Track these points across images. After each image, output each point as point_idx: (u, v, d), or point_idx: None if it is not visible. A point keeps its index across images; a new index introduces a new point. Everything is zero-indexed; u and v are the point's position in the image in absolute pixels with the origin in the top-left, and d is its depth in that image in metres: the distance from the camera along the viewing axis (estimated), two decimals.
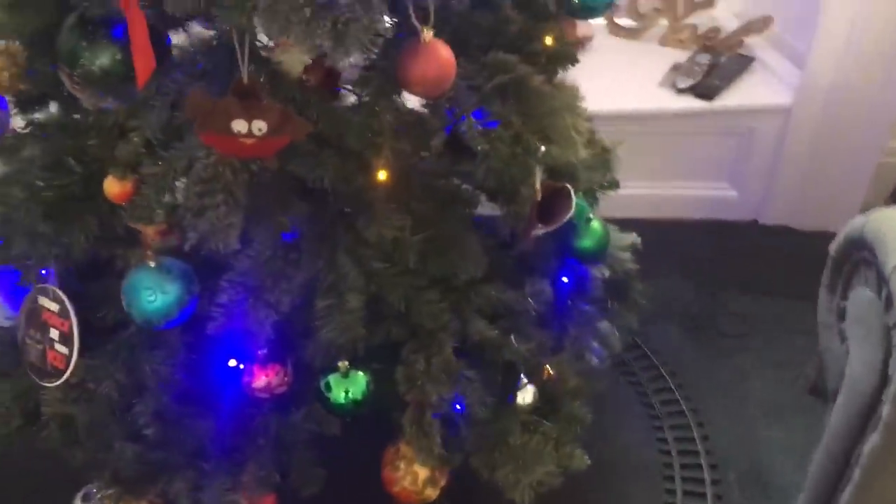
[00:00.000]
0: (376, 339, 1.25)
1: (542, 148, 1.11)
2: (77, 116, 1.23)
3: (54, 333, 1.23)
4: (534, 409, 1.28)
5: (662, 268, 2.26)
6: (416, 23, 1.01)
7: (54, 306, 1.23)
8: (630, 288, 1.58)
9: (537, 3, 1.26)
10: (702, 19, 2.39)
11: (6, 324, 1.31)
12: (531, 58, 1.18)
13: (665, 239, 2.35)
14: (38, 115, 1.26)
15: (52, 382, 1.24)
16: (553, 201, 1.19)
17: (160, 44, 1.12)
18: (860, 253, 1.16)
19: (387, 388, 1.23)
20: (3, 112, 1.26)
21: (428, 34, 1.02)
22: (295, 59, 1.07)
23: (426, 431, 1.19)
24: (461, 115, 1.08)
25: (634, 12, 2.40)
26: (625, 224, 2.35)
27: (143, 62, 1.05)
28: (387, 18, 1.02)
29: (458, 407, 1.24)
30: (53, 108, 1.28)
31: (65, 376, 1.22)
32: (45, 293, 1.24)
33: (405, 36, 1.04)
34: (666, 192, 2.37)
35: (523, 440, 1.26)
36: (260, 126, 0.99)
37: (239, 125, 0.99)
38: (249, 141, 1.00)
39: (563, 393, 1.32)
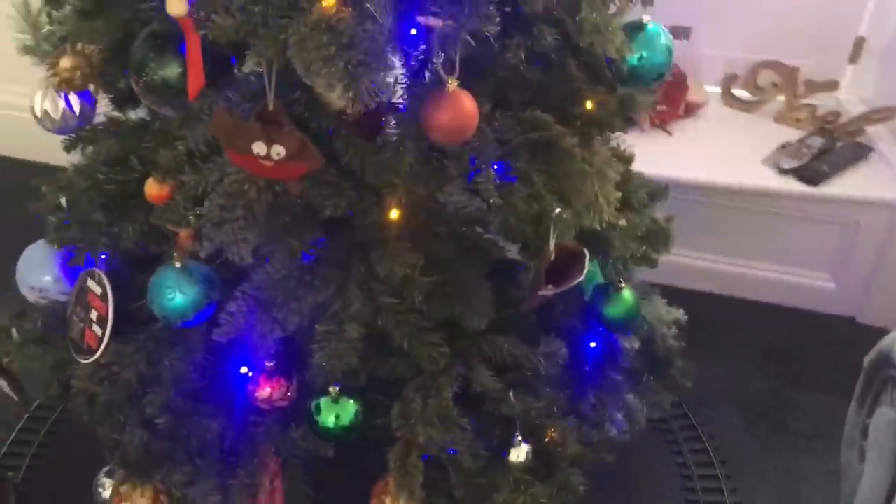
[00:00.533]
0: (382, 372, 1.27)
1: (558, 210, 1.10)
2: (147, 119, 1.33)
3: (94, 315, 1.32)
4: (528, 468, 1.26)
5: (739, 350, 2.17)
6: (441, 72, 1.04)
7: (98, 289, 1.32)
8: (670, 365, 1.53)
9: (598, 66, 1.26)
10: (823, 100, 2.29)
11: (62, 298, 1.42)
12: (569, 119, 1.17)
13: (748, 321, 2.26)
14: (117, 113, 1.37)
15: (85, 359, 1.33)
16: (570, 263, 1.18)
17: (223, 63, 1.20)
18: (888, 370, 1.08)
19: (384, 422, 1.24)
20: (89, 107, 1.37)
21: (452, 84, 1.04)
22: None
23: (409, 471, 1.20)
24: (479, 165, 1.09)
25: (752, 85, 2.33)
26: (708, 300, 2.29)
27: (195, 78, 1.13)
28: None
29: (449, 452, 1.24)
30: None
31: (96, 355, 1.31)
32: (93, 276, 1.34)
33: (435, 83, 1.07)
34: (757, 273, 2.27)
35: (510, 498, 1.25)
36: (279, 151, 1.04)
37: (259, 147, 1.04)
38: (269, 163, 1.06)
39: (561, 458, 1.29)
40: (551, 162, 1.14)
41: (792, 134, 2.25)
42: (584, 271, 1.14)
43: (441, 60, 1.03)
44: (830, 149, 2.15)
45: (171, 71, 1.17)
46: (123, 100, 1.38)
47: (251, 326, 1.16)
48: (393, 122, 1.14)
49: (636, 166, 1.82)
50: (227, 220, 1.10)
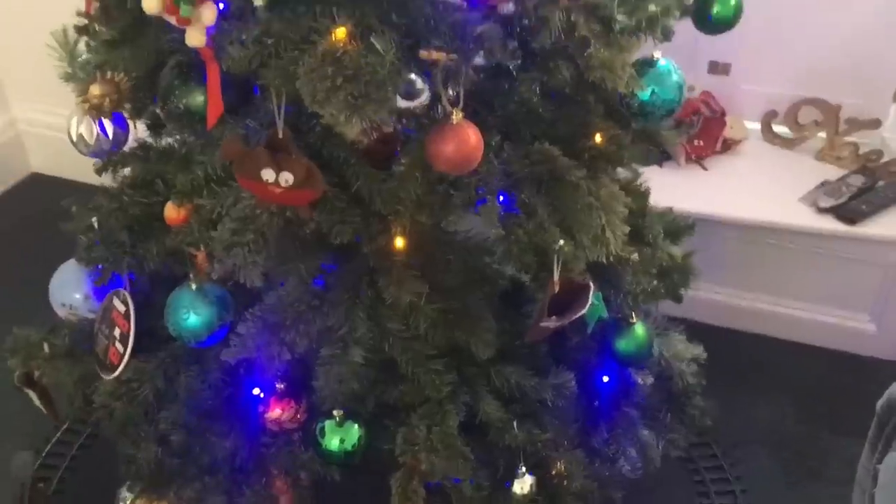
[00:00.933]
0: (390, 397, 1.29)
1: (561, 242, 1.11)
2: (175, 144, 1.39)
3: (117, 332, 1.37)
4: (531, 500, 1.26)
5: (774, 391, 2.13)
6: (446, 104, 1.06)
7: (122, 308, 1.37)
8: (688, 403, 1.51)
9: (611, 101, 1.27)
10: (866, 138, 2.25)
11: (91, 315, 1.48)
12: (577, 152, 1.18)
13: (784, 361, 2.21)
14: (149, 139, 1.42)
15: (107, 375, 1.38)
16: (576, 296, 1.18)
17: (245, 91, 1.25)
18: None
19: (389, 447, 1.26)
20: (121, 132, 1.43)
21: (457, 116, 1.06)
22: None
23: (411, 497, 1.21)
24: (485, 196, 1.11)
25: (792, 122, 2.30)
26: (743, 338, 2.25)
27: (214, 106, 1.17)
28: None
29: (453, 480, 1.25)
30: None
31: (117, 372, 1.35)
32: (118, 295, 1.38)
33: (443, 113, 1.09)
34: (795, 313, 2.22)
35: None
36: (287, 177, 1.08)
37: (267, 174, 1.08)
38: (277, 189, 1.09)
39: (566, 492, 1.28)
40: (557, 194, 1.15)
41: (833, 172, 2.20)
42: (587, 304, 1.14)
43: (446, 93, 1.06)
44: (871, 188, 2.11)
45: (195, 99, 1.21)
46: (158, 125, 1.45)
47: (260, 348, 1.19)
48: (403, 151, 1.17)
49: (669, 200, 1.82)
50: (237, 243, 1.13)
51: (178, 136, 1.42)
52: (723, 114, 2.29)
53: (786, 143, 2.32)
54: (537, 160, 1.16)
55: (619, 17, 1.16)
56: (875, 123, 2.21)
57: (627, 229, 1.18)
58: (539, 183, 1.15)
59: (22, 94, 2.77)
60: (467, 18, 1.05)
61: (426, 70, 1.06)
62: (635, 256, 1.28)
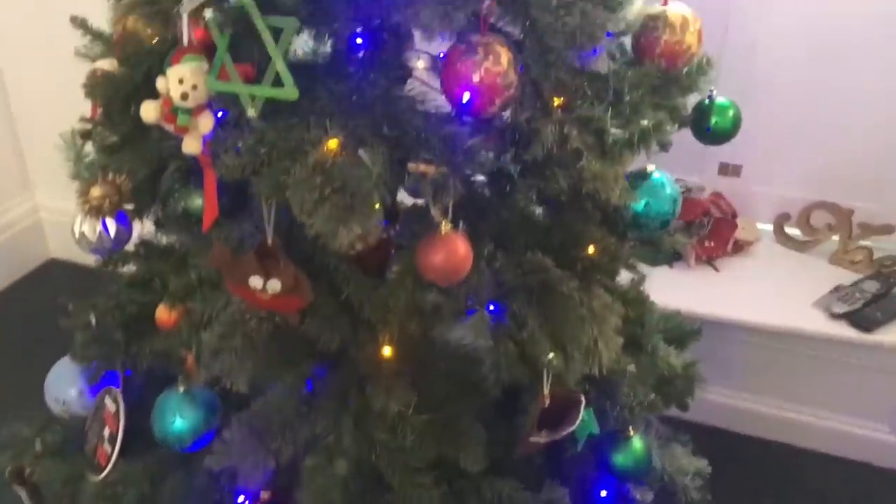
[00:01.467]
0: None
1: (551, 354, 1.09)
2: (174, 244, 1.40)
3: (107, 432, 1.36)
4: None
5: (788, 501, 2.05)
6: (436, 215, 1.06)
7: (112, 407, 1.36)
8: None
9: (606, 211, 1.26)
10: (881, 243, 2.22)
11: (83, 413, 1.46)
12: (571, 262, 1.17)
13: (799, 470, 2.14)
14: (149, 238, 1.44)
15: (95, 476, 1.35)
16: (567, 409, 1.15)
17: (243, 194, 1.26)
18: None
19: None
20: (124, 230, 1.45)
21: (446, 227, 1.06)
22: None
23: None
24: (474, 306, 1.09)
25: (805, 225, 2.28)
26: (755, 444, 2.17)
27: (210, 210, 1.18)
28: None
29: None
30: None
31: (104, 473, 1.33)
32: (110, 393, 1.37)
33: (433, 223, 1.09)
34: (809, 420, 2.16)
35: None
36: (274, 285, 1.08)
37: (255, 281, 1.08)
38: (265, 297, 1.09)
39: None
40: (548, 305, 1.14)
41: (847, 276, 2.17)
42: (577, 419, 1.11)
43: (436, 204, 1.06)
44: (886, 294, 2.07)
45: (193, 202, 1.23)
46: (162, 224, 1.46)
47: (245, 455, 1.17)
48: (395, 259, 1.17)
49: (678, 302, 1.80)
50: (224, 348, 1.12)
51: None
52: (734, 215, 2.28)
53: (798, 245, 2.30)
54: (529, 270, 1.16)
55: (613, 131, 1.17)
56: (888, 229, 2.19)
57: (621, 341, 1.16)
58: (530, 293, 1.14)
59: (44, 180, 2.84)
60: (458, 132, 1.06)
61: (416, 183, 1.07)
62: (632, 367, 1.26)
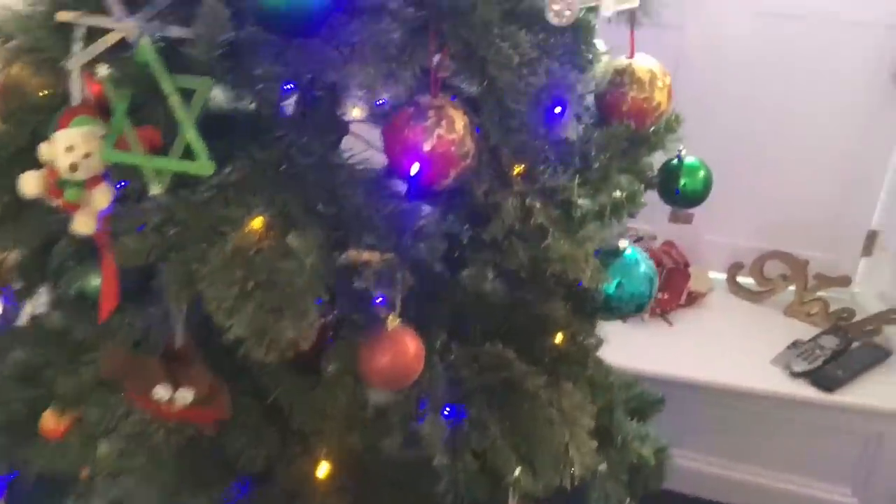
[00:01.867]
0: None
1: (517, 471, 0.93)
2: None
3: None
4: None
5: None
6: (380, 310, 0.89)
7: None
8: None
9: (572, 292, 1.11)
10: (837, 293, 2.13)
11: None
12: (536, 353, 1.02)
13: None
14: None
15: None
16: None
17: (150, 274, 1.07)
18: None
19: None
20: (11, 309, 1.24)
21: (393, 322, 0.90)
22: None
23: None
24: (426, 412, 0.93)
25: (759, 275, 2.18)
26: None
27: (108, 298, 0.99)
28: None
29: None
30: None
31: None
32: None
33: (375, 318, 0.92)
34: (772, 483, 2.04)
35: None
36: (185, 396, 0.89)
37: (161, 392, 0.89)
38: (174, 408, 0.90)
39: None
40: (512, 407, 0.98)
41: (803, 329, 2.08)
42: None
43: (379, 297, 0.89)
44: (845, 350, 1.98)
45: (90, 282, 1.03)
46: None
47: None
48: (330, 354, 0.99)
49: (634, 361, 1.67)
50: (125, 469, 0.93)
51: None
52: (686, 265, 2.17)
53: (753, 296, 2.20)
54: (489, 365, 1.00)
55: (580, 201, 1.02)
56: (845, 280, 2.11)
57: (595, 444, 1.01)
58: (491, 394, 0.98)
59: None
60: (406, 210, 0.90)
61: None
62: (603, 467, 1.11)
